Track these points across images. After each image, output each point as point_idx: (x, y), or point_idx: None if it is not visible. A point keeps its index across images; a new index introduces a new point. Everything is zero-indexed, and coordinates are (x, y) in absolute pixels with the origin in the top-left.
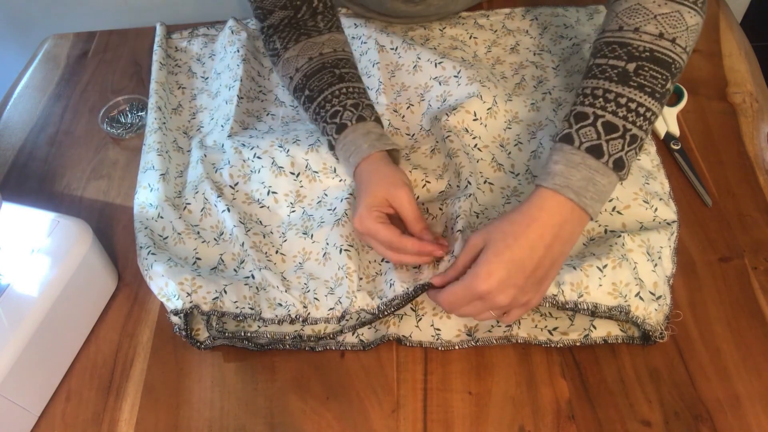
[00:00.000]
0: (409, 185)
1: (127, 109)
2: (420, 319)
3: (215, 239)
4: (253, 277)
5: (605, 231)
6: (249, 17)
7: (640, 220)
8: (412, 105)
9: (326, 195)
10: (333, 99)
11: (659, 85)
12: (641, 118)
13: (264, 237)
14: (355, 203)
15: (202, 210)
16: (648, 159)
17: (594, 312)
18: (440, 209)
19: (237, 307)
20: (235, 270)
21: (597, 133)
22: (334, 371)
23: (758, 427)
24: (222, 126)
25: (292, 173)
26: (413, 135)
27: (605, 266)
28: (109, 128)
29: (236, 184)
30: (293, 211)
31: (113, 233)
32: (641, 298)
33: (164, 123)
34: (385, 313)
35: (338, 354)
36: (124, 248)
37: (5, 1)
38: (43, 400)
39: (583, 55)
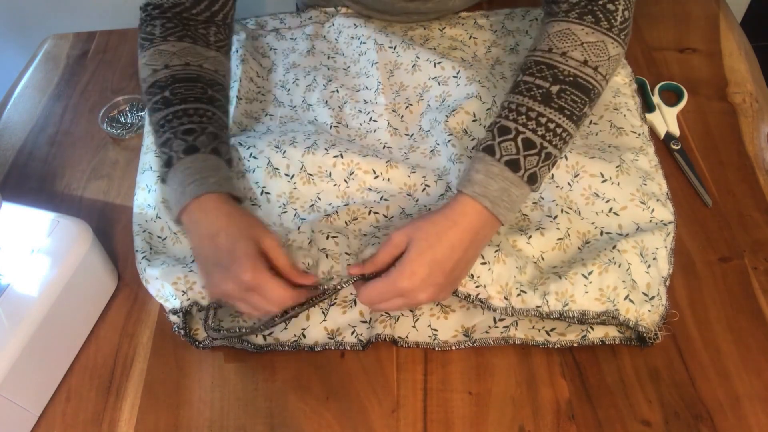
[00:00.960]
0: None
1: (127, 109)
2: (417, 320)
3: None
4: None
5: (601, 233)
6: (248, 17)
7: (637, 221)
8: (411, 105)
9: (320, 199)
10: (194, 115)
11: (578, 109)
12: (557, 138)
13: None
14: (347, 210)
15: None
16: (646, 160)
17: (582, 319)
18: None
19: None
20: None
21: (516, 148)
22: (334, 371)
23: (758, 427)
24: None
25: (287, 175)
26: (412, 135)
27: (590, 273)
28: (109, 128)
29: None
30: (284, 212)
31: (113, 233)
32: (631, 301)
33: None
34: (314, 301)
35: (338, 354)
36: (124, 248)
37: (5, 1)
38: (43, 399)
39: None
